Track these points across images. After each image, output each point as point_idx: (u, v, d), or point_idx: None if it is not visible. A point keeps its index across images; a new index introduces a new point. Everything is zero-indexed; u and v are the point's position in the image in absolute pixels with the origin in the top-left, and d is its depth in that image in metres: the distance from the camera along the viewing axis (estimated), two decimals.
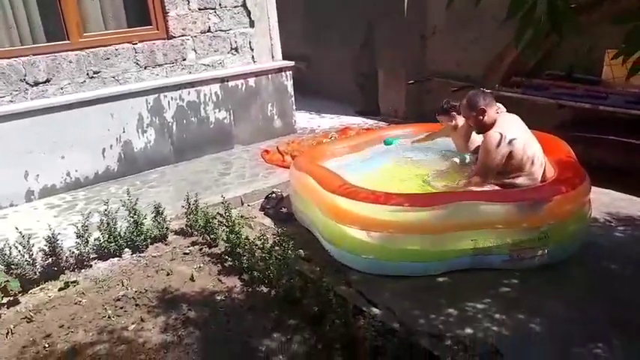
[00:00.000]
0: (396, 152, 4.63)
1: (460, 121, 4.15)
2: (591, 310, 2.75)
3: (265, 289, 3.12)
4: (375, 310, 2.80)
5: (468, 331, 2.63)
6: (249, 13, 5.84)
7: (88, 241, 3.57)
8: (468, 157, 4.12)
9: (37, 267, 3.40)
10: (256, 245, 3.38)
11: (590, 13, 4.32)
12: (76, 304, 3.14)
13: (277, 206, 4.29)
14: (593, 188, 3.43)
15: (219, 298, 3.10)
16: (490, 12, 5.45)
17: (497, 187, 3.39)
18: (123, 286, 3.29)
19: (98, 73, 5.02)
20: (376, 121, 6.76)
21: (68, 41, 4.85)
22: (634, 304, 2.79)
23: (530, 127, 3.66)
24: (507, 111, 3.75)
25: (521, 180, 3.41)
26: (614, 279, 3.04)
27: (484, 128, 3.44)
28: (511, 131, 3.36)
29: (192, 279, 3.32)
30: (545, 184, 3.33)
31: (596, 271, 3.13)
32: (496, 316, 2.73)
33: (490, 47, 5.62)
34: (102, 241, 3.64)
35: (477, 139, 3.92)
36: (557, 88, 5.01)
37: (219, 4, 5.62)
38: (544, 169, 3.51)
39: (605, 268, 3.15)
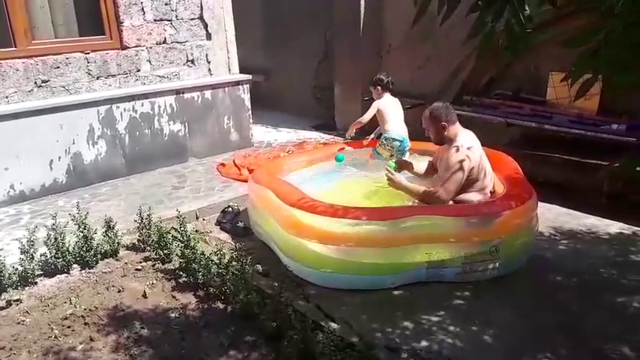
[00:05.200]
0: (353, 167, 4.68)
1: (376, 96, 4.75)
2: (539, 319, 2.87)
3: (221, 306, 3.07)
4: (334, 325, 2.80)
5: (424, 343, 2.68)
6: (206, 26, 5.81)
7: (33, 257, 3.40)
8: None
9: None
10: (212, 260, 3.32)
11: (538, 34, 4.56)
12: (19, 323, 2.97)
13: (234, 220, 4.25)
14: (539, 203, 3.58)
15: (173, 315, 3.01)
16: (444, 31, 5.67)
17: (450, 202, 3.49)
18: (71, 304, 3.14)
19: (47, 82, 4.84)
20: (332, 136, 6.82)
21: (15, 48, 4.66)
22: (578, 313, 2.92)
23: (481, 145, 3.80)
24: None
25: (472, 195, 3.52)
26: (559, 290, 3.18)
27: (444, 141, 3.55)
28: (470, 144, 3.48)
29: (144, 296, 3.22)
30: (495, 199, 3.46)
31: (543, 283, 3.26)
32: (450, 328, 2.80)
33: (443, 66, 5.82)
34: (49, 256, 3.48)
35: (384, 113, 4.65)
36: (506, 108, 5.24)
37: (176, 16, 5.56)
38: (493, 184, 3.64)
39: (551, 281, 3.29)
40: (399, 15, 6.32)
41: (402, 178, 3.74)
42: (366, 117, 4.74)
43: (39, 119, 4.72)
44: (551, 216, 4.18)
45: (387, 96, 4.77)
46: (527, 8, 1.37)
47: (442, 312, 2.95)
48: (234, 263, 3.21)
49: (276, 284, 3.17)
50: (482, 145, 3.74)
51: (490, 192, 3.60)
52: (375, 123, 4.81)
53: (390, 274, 3.18)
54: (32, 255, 3.40)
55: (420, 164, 4.08)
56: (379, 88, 4.74)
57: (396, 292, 3.16)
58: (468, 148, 3.42)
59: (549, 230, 3.95)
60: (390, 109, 4.70)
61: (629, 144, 4.29)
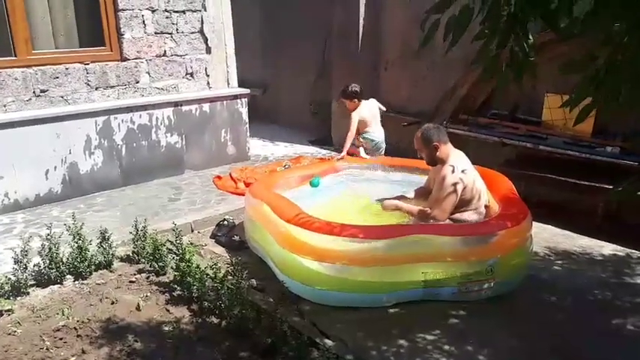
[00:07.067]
0: (349, 184, 4.69)
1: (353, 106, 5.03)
2: (534, 339, 2.87)
3: (216, 320, 3.04)
4: (329, 342, 2.79)
5: None
6: (206, 40, 5.86)
7: (26, 267, 3.37)
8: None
9: None
10: (207, 274, 3.31)
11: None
12: (10, 334, 2.93)
13: (229, 234, 4.24)
14: (534, 223, 3.61)
15: (167, 328, 2.99)
16: (440, 50, 5.74)
17: (447, 221, 3.50)
18: (63, 315, 3.11)
19: (46, 91, 4.85)
20: (329, 151, 6.85)
21: (15, 57, 4.67)
22: (573, 334, 2.93)
23: (476, 164, 3.83)
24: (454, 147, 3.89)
25: (468, 215, 3.54)
26: (554, 310, 3.19)
27: (436, 162, 3.57)
28: (463, 165, 3.50)
29: (138, 308, 3.19)
30: (491, 219, 3.47)
31: (538, 303, 3.27)
32: (445, 348, 2.79)
33: (440, 84, 5.88)
34: (42, 267, 3.44)
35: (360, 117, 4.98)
36: (502, 128, 5.29)
37: (176, 30, 5.60)
38: (489, 204, 3.66)
39: (546, 300, 3.30)
40: (397, 34, 6.40)
41: (392, 202, 3.77)
42: (353, 131, 5.01)
43: (36, 128, 4.71)
44: (547, 236, 4.20)
45: (363, 104, 5.07)
46: (530, 37, 1.41)
47: (437, 331, 2.94)
48: (229, 277, 3.20)
49: (272, 300, 3.16)
50: (477, 164, 3.78)
51: (485, 206, 3.61)
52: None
53: (386, 293, 3.18)
54: (25, 265, 3.37)
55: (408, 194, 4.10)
56: (356, 100, 5.01)
57: (391, 310, 3.16)
58: (462, 171, 3.45)
59: (544, 250, 3.97)
60: (369, 117, 5.08)
61: (624, 167, 4.33)
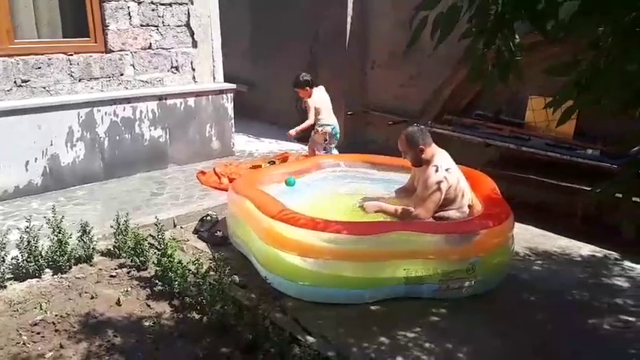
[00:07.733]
0: (331, 182, 4.69)
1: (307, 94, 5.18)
2: (514, 338, 2.90)
3: (197, 316, 3.02)
4: (310, 339, 2.79)
5: (399, 359, 2.68)
6: (192, 34, 5.81)
7: (4, 260, 3.31)
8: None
9: None
10: (189, 270, 3.28)
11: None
12: None
13: (212, 229, 4.21)
14: (516, 224, 3.64)
15: (147, 323, 2.96)
16: (428, 51, 5.76)
17: (430, 220, 3.53)
18: (41, 309, 3.06)
19: (27, 82, 4.76)
20: None
21: None
22: (552, 333, 2.97)
23: (460, 164, 3.86)
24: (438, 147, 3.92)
25: (452, 213, 3.57)
26: (534, 310, 3.23)
27: (422, 163, 3.60)
28: (447, 165, 3.54)
29: (118, 303, 3.16)
30: (474, 218, 3.50)
31: (518, 303, 3.31)
32: (426, 345, 2.81)
33: (426, 84, 5.91)
34: (20, 260, 3.39)
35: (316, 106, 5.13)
36: (486, 128, 5.33)
37: (163, 22, 5.54)
38: (472, 203, 3.70)
39: (527, 300, 3.34)
40: (384, 33, 6.41)
41: (374, 203, 3.80)
42: (312, 118, 5.18)
43: (16, 119, 4.63)
44: (528, 236, 4.25)
45: (316, 91, 5.22)
46: (517, 36, 1.42)
47: (418, 328, 2.96)
48: (211, 273, 3.18)
49: (254, 296, 3.15)
50: (461, 164, 3.81)
51: (468, 205, 3.65)
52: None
53: (368, 289, 3.19)
54: (3, 258, 3.31)
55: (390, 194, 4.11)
56: (308, 88, 5.15)
57: (373, 307, 3.17)
58: (447, 170, 3.49)
59: (525, 251, 4.02)
60: (323, 104, 5.22)
61: (604, 169, 4.40)
